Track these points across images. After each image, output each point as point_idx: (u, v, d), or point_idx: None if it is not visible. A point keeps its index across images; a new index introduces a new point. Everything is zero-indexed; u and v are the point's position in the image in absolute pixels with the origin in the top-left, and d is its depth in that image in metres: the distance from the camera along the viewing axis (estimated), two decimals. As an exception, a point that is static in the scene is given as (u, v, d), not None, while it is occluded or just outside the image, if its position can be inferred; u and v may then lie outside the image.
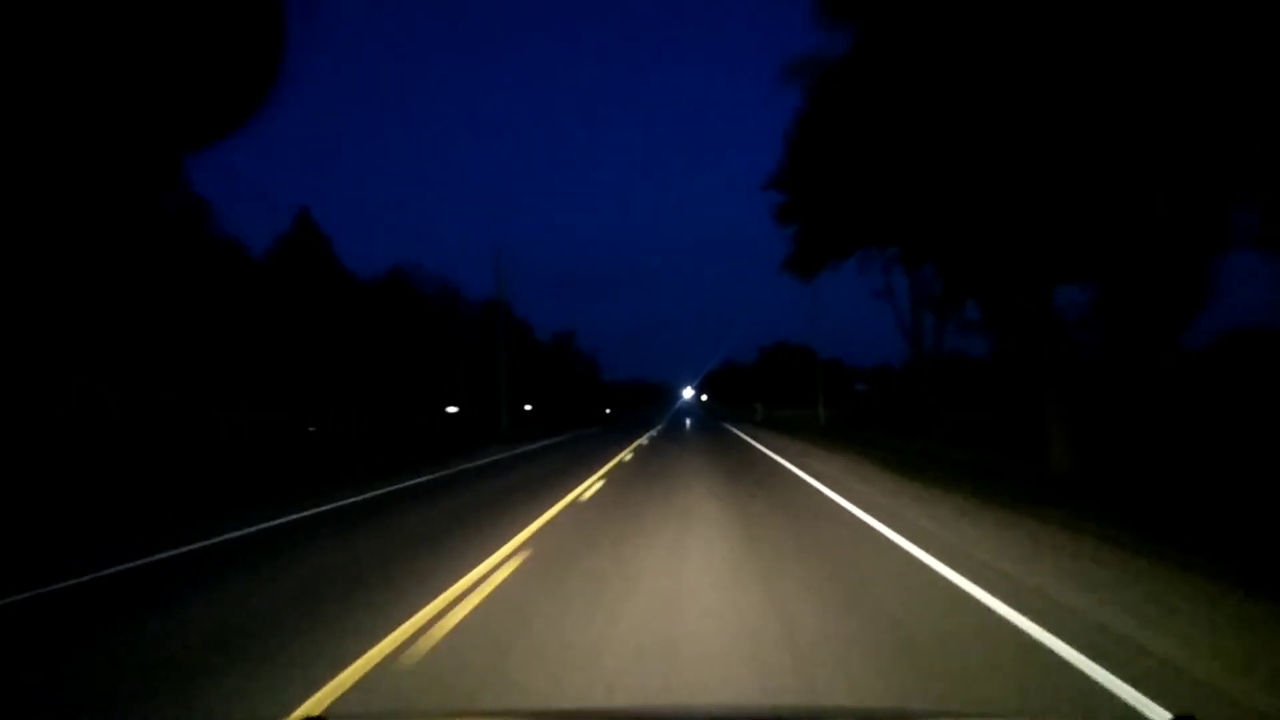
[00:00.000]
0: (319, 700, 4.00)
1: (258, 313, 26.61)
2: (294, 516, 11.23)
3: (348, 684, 4.19)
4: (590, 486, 13.90)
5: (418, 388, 39.51)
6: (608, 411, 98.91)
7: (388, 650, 4.75)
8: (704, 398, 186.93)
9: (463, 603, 5.85)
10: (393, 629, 5.17)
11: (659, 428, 44.40)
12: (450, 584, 6.43)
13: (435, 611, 5.60)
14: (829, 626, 5.05)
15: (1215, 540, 7.69)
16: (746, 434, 32.90)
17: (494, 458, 22.90)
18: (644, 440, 29.01)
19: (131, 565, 8.00)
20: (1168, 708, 3.61)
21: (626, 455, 21.62)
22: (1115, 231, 13.03)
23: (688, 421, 59.81)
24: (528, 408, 51.44)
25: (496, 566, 7.15)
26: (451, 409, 40.51)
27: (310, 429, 28.58)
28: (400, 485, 15.42)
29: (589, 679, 4.17)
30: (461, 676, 4.30)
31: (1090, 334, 17.13)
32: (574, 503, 11.83)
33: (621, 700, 3.91)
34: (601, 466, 18.29)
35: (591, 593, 6.09)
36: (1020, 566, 6.69)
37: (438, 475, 17.52)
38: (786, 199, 25.45)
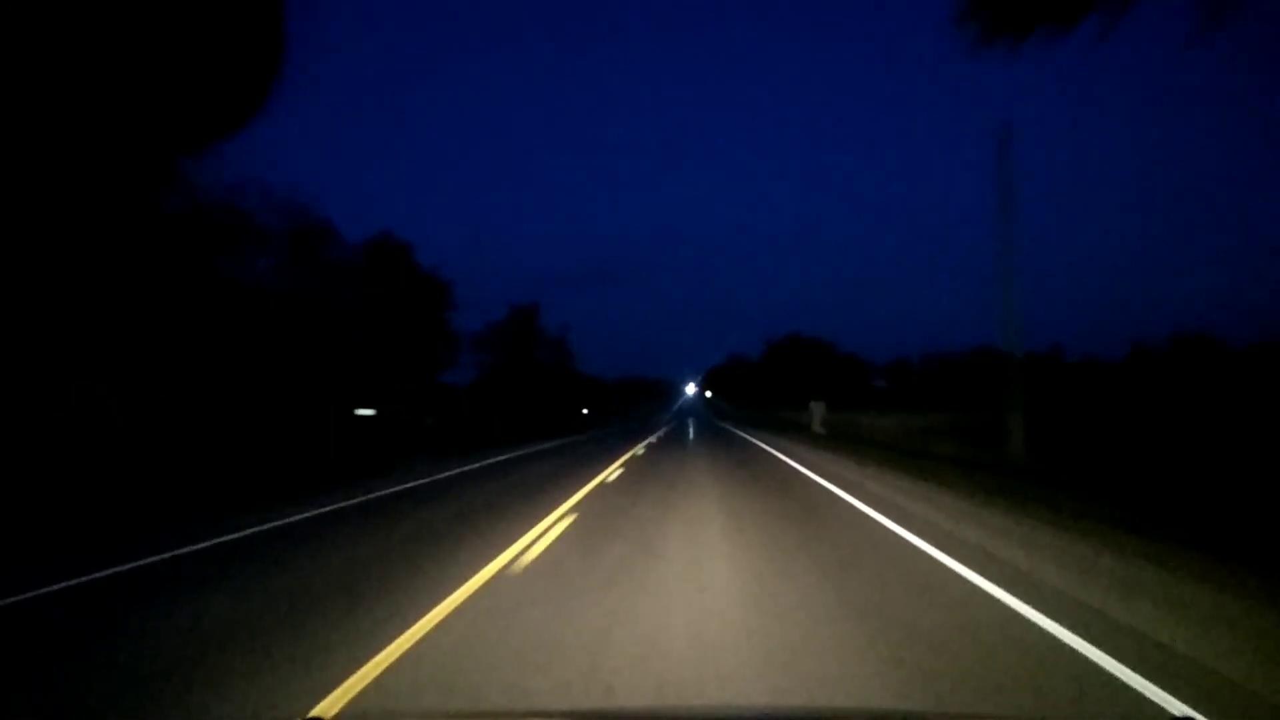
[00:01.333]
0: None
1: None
2: None
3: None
4: None
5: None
6: (585, 412, 75.64)
7: None
8: (708, 394, 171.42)
9: None
10: None
11: (644, 446, 27.97)
12: None
13: None
14: None
15: None
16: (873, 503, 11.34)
17: None
18: (579, 505, 11.64)
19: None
20: None
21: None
22: None
23: (690, 430, 43.50)
24: (365, 412, 26.70)
25: None
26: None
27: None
28: None
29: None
30: None
31: None
32: None
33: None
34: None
35: None
36: None
37: None
38: None
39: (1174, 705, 3.84)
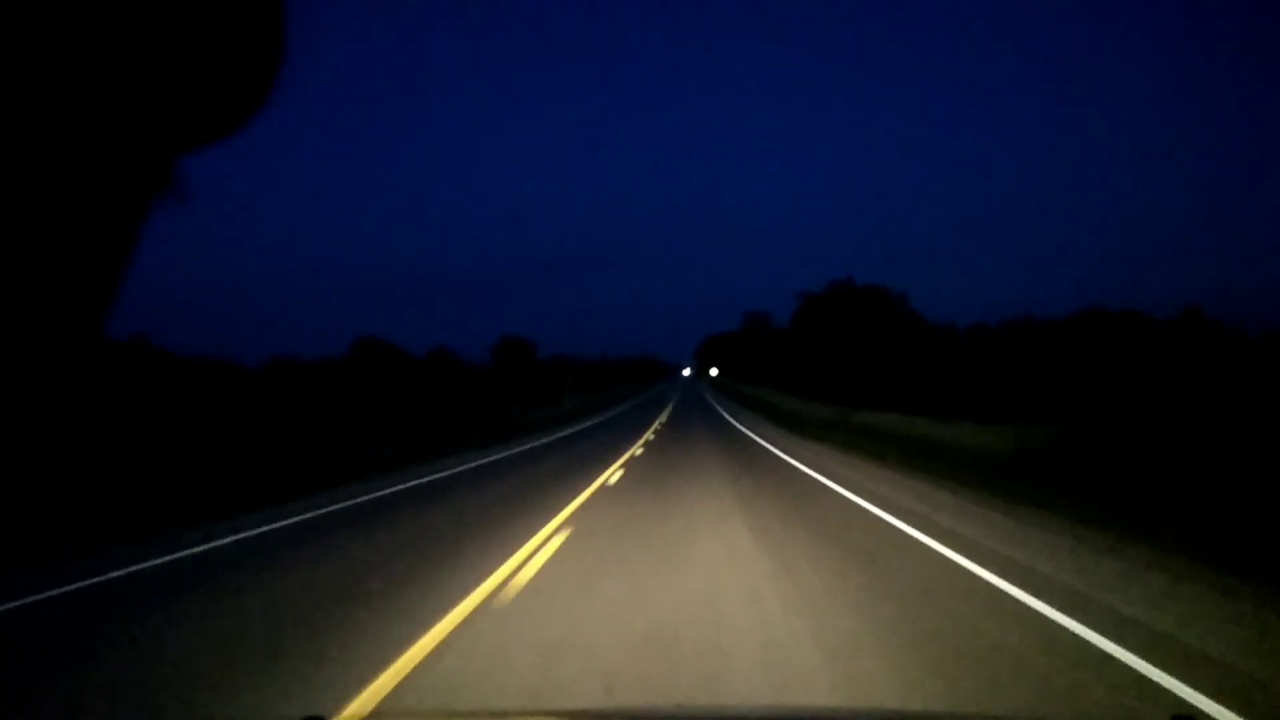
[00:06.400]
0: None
1: None
2: None
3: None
4: None
5: None
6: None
7: None
8: (714, 372, 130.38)
9: None
10: None
11: None
12: None
13: None
14: None
15: None
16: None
17: None
18: None
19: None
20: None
21: None
22: None
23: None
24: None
25: None
26: None
27: None
28: None
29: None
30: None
31: None
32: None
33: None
34: None
35: None
36: None
37: None
38: None
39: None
